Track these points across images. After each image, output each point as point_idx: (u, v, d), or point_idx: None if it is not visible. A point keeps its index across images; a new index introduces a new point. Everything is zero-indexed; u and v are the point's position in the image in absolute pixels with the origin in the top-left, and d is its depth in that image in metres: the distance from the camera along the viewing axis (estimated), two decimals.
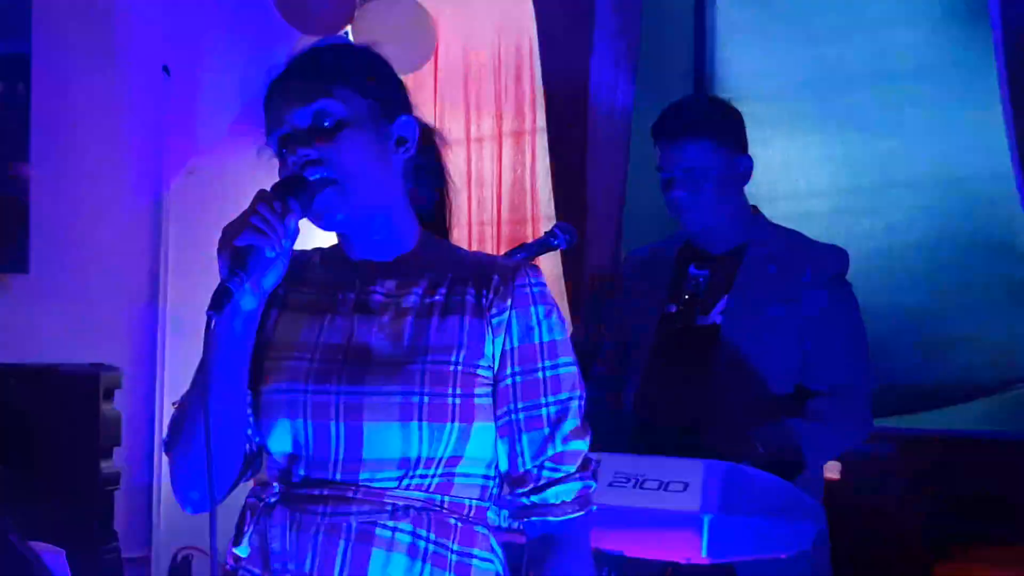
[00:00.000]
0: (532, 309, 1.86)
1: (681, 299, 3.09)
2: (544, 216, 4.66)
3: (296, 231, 1.80)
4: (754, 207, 3.18)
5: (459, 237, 4.68)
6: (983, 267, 3.88)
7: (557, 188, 4.67)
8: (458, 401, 1.82)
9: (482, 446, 1.85)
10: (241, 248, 1.74)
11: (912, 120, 4.06)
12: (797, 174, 4.32)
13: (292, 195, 1.80)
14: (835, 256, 3.09)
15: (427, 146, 1.99)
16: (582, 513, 1.87)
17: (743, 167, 3.10)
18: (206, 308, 1.72)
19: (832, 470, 3.55)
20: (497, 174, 4.76)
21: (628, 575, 2.62)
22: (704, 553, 2.48)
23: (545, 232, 2.99)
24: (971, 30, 3.83)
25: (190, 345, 2.08)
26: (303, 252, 1.97)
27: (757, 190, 4.34)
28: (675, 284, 3.11)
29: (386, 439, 1.80)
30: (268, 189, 1.81)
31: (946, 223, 3.97)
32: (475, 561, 1.85)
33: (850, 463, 3.54)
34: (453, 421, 1.81)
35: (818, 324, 2.99)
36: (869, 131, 4.16)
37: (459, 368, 1.83)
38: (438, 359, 1.82)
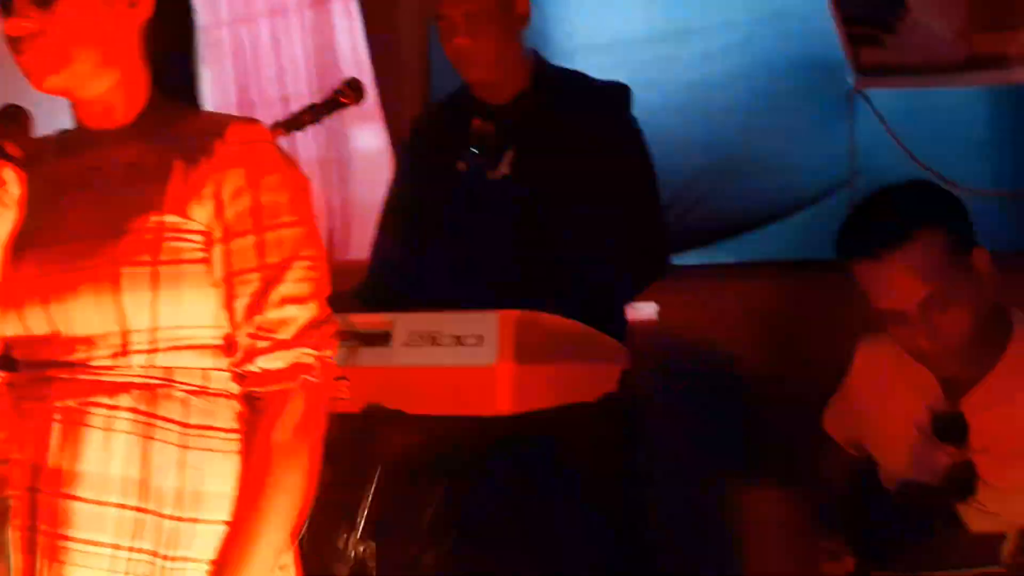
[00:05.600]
0: (245, 168, 1.78)
1: (469, 156, 3.03)
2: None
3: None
4: (532, 49, 3.11)
5: (266, 116, 4.58)
6: (798, 88, 3.87)
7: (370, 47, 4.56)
8: (162, 269, 1.75)
9: (201, 314, 1.78)
10: None
11: None
12: (613, 12, 4.24)
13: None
14: (616, 93, 3.06)
15: (177, 6, 1.91)
16: (294, 384, 1.77)
17: (521, 8, 3.02)
18: None
19: (649, 311, 3.56)
20: (301, 45, 4.61)
21: (435, 436, 2.58)
22: (507, 405, 2.44)
23: (333, 90, 2.88)
24: None
25: None
26: (43, 138, 1.92)
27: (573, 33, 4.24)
28: (461, 141, 3.04)
29: (93, 314, 1.75)
30: None
31: (763, 47, 3.94)
32: (215, 433, 1.79)
33: (664, 301, 3.55)
34: (157, 289, 1.75)
35: (607, 164, 2.97)
36: None
37: (164, 234, 1.76)
38: (140, 227, 1.76)
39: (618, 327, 2.96)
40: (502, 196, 2.99)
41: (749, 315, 3.65)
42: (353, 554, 2.53)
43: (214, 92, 4.52)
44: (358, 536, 2.53)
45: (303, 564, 2.32)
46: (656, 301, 3.57)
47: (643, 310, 3.46)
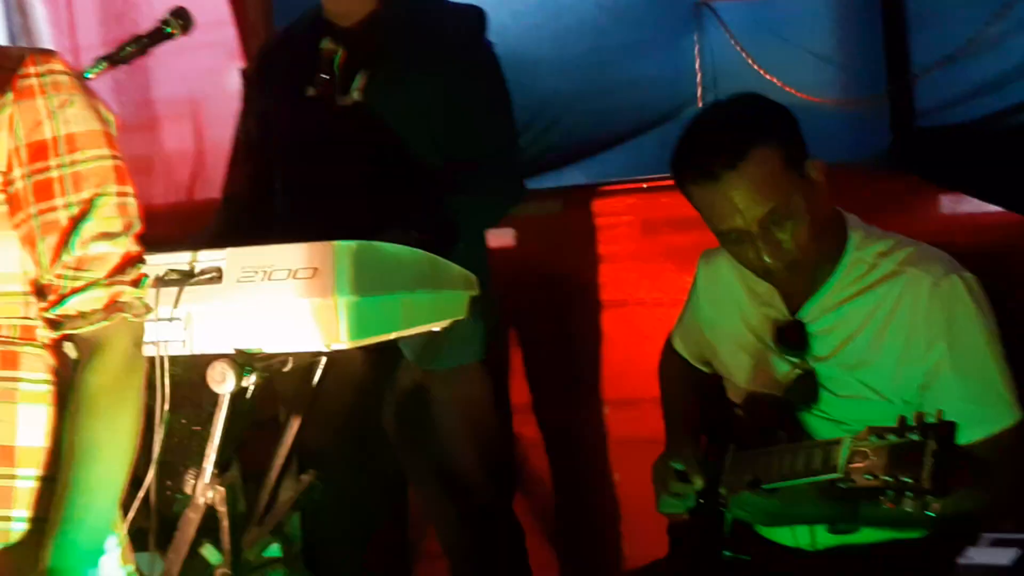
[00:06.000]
0: (40, 101, 1.70)
1: (319, 81, 2.94)
2: None
3: None
4: None
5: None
6: (646, 4, 3.85)
7: None
8: None
9: (4, 259, 1.70)
10: None
11: None
12: None
13: None
14: (471, 15, 2.98)
15: None
16: (112, 323, 1.71)
17: None
18: None
19: (506, 236, 3.53)
20: None
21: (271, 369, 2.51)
22: (346, 337, 2.38)
23: (159, 20, 2.77)
24: None
25: None
26: None
27: None
28: (310, 65, 2.96)
29: None
30: None
31: None
32: (22, 384, 1.72)
33: (520, 226, 3.52)
34: None
35: (461, 90, 2.90)
36: None
37: None
38: None
39: (476, 253, 2.91)
40: (353, 123, 2.91)
41: (604, 236, 3.63)
42: (203, 500, 2.47)
43: (51, 33, 4.39)
44: (207, 481, 2.47)
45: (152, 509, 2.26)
46: (511, 225, 3.53)
47: (499, 235, 3.42)
